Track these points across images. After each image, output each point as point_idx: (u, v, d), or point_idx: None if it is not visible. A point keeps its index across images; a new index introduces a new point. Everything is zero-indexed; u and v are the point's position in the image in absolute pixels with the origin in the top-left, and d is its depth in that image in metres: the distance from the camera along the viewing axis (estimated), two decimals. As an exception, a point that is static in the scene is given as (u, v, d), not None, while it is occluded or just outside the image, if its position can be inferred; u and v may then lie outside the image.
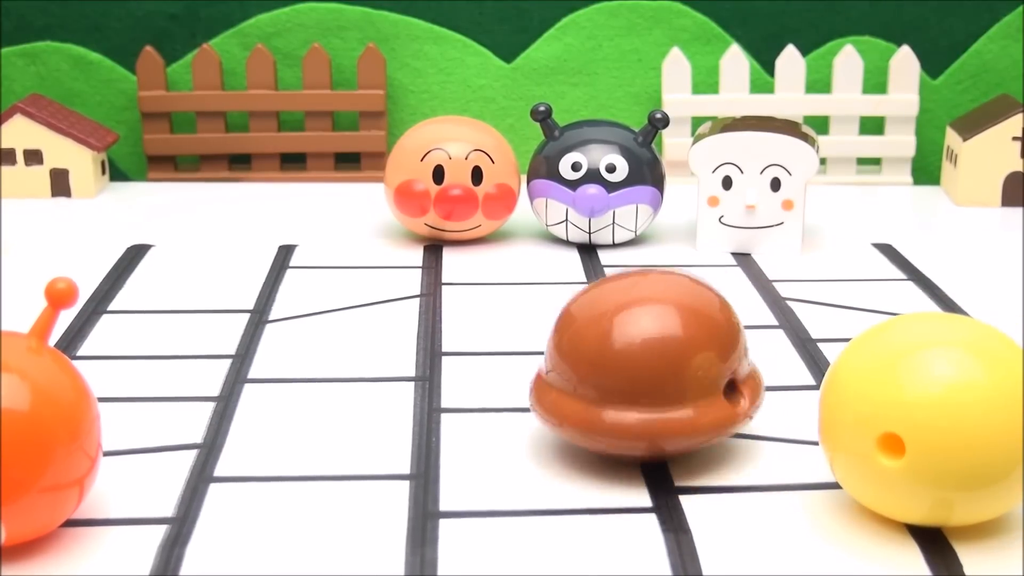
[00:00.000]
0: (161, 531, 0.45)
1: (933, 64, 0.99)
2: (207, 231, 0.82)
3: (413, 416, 0.55)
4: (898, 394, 0.42)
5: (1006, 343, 0.44)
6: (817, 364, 0.61)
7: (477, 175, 0.77)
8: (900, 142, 0.97)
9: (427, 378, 0.59)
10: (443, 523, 0.46)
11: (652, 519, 0.46)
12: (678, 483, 0.49)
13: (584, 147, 0.77)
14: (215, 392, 0.57)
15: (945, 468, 0.42)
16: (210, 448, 0.52)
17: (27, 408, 0.41)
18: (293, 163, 0.99)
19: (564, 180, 0.77)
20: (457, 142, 0.77)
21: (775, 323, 0.66)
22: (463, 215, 0.77)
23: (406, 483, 0.49)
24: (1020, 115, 0.88)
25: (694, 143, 0.77)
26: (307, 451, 0.51)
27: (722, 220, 0.77)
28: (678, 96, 0.96)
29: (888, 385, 0.43)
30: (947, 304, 0.69)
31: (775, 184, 0.76)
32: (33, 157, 0.90)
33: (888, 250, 0.79)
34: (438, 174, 0.76)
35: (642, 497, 0.48)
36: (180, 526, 0.45)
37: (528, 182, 0.80)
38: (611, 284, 0.50)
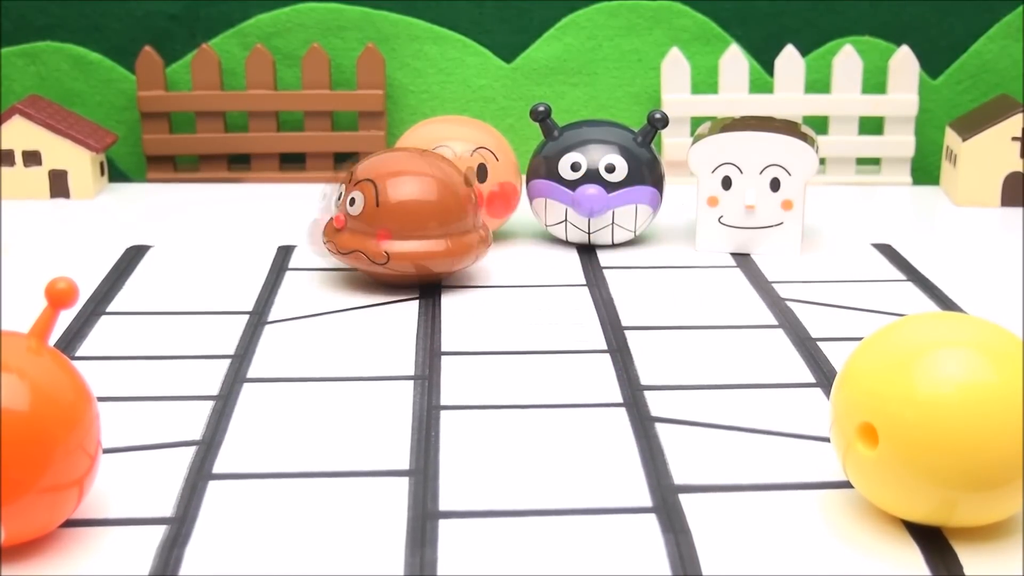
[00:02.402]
0: (160, 531, 0.45)
1: (933, 64, 0.99)
2: (206, 232, 0.82)
3: (412, 413, 0.55)
4: (906, 392, 0.42)
5: (1016, 342, 0.44)
6: (817, 363, 0.61)
7: (481, 173, 0.77)
8: (899, 142, 0.97)
9: (426, 377, 0.59)
10: (443, 523, 0.46)
11: (652, 519, 0.46)
12: (678, 482, 0.49)
13: (583, 147, 0.77)
14: (214, 391, 0.57)
15: (951, 467, 0.42)
16: (209, 445, 0.52)
17: (27, 408, 0.41)
18: (292, 163, 0.99)
19: (563, 180, 0.77)
20: (461, 141, 0.77)
21: (774, 323, 0.66)
22: (467, 213, 0.77)
23: (405, 479, 0.49)
24: (1020, 115, 0.88)
25: (693, 143, 0.77)
26: (306, 448, 0.51)
27: (721, 220, 0.77)
28: (677, 96, 0.96)
29: (896, 384, 0.43)
30: (946, 304, 0.69)
31: (774, 184, 0.76)
32: (32, 158, 0.90)
33: (887, 250, 0.79)
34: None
35: (642, 497, 0.48)
36: (179, 526, 0.45)
37: (527, 182, 0.80)
38: (390, 156, 0.71)
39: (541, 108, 0.78)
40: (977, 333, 0.44)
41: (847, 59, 0.96)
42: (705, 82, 0.98)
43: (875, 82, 0.98)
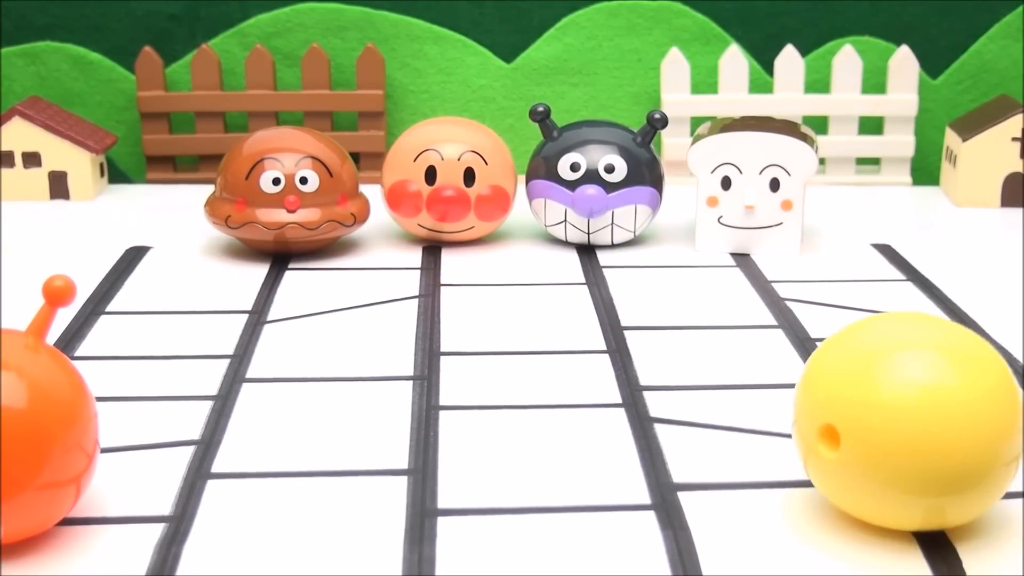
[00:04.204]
0: (158, 529, 0.45)
1: (933, 64, 0.99)
2: (205, 232, 0.82)
3: (411, 413, 0.55)
4: (869, 395, 0.42)
5: (980, 345, 0.43)
6: (816, 363, 0.60)
7: (470, 176, 0.77)
8: (899, 142, 0.97)
9: (425, 377, 0.59)
10: (441, 521, 0.46)
11: (651, 516, 0.46)
12: (677, 480, 0.49)
13: (583, 147, 0.77)
14: (213, 391, 0.57)
15: (926, 474, 0.41)
16: (207, 444, 0.52)
17: (24, 405, 0.41)
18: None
19: (563, 181, 0.77)
20: (451, 143, 0.77)
21: (774, 323, 0.66)
22: (455, 216, 0.77)
23: (404, 479, 0.49)
24: (1020, 115, 0.88)
25: (693, 143, 0.77)
26: (305, 447, 0.51)
27: (721, 220, 0.77)
28: (677, 96, 0.96)
29: (858, 386, 0.42)
30: (946, 305, 0.69)
31: (774, 184, 0.76)
32: (32, 159, 0.90)
33: (887, 250, 0.79)
34: (430, 175, 0.76)
35: (641, 494, 0.48)
36: (177, 524, 0.45)
37: (527, 183, 0.80)
38: (260, 136, 0.76)
39: (540, 109, 0.78)
40: (940, 334, 0.44)
41: (847, 59, 0.96)
42: (705, 82, 0.98)
43: (875, 82, 0.98)
